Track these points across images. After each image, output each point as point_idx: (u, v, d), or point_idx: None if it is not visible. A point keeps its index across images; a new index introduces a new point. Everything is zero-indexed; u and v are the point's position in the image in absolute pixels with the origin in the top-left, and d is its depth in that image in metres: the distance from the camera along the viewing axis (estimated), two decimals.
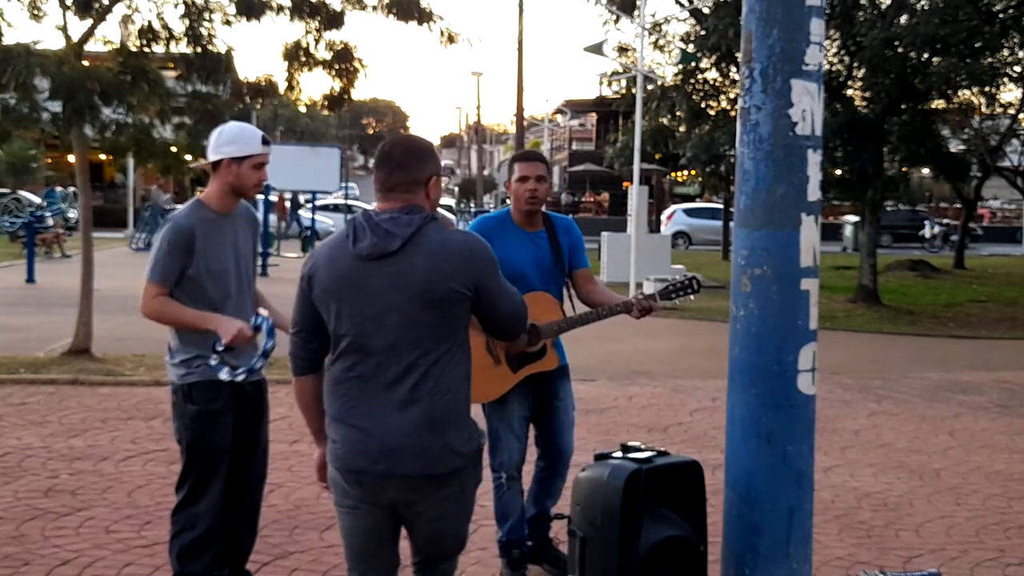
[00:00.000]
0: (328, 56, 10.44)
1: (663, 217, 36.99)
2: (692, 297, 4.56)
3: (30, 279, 17.98)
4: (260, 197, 23.01)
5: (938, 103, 18.70)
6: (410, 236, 2.97)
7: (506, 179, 4.63)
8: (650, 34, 19.47)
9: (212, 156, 4.03)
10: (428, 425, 3.00)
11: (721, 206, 33.69)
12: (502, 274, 3.17)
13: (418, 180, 3.06)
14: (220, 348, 3.91)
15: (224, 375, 3.92)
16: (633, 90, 19.17)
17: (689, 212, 38.39)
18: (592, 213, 46.86)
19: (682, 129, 22.57)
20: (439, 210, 3.31)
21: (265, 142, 4.03)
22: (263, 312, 4.05)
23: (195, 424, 3.98)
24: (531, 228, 4.60)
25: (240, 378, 3.94)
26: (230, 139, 4.01)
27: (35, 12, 9.62)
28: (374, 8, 10.11)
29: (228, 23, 9.95)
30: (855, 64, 17.22)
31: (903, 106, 17.75)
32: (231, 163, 3.97)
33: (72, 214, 29.21)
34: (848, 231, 34.60)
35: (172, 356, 4.04)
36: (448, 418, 3.03)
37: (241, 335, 3.89)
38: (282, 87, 10.76)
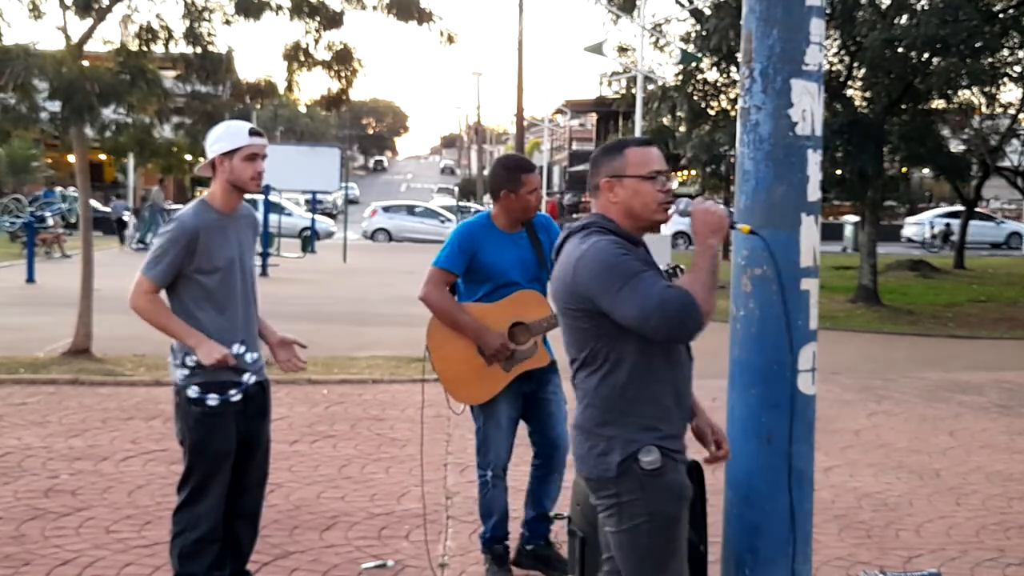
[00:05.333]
0: (328, 57, 10.44)
1: None
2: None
3: (30, 279, 17.98)
4: (260, 197, 23.01)
5: (938, 103, 18.72)
6: None
7: (505, 187, 4.60)
8: (650, 34, 19.47)
9: (207, 158, 4.06)
10: None
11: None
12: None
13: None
14: (192, 364, 3.93)
15: (191, 392, 3.95)
16: (633, 90, 19.19)
17: None
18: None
19: (682, 129, 22.57)
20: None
21: (255, 133, 4.03)
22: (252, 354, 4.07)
23: (198, 425, 3.98)
24: (512, 230, 4.65)
25: (209, 399, 3.95)
26: (217, 137, 4.04)
27: (35, 12, 9.62)
28: (374, 8, 10.12)
29: (228, 23, 9.95)
30: (855, 64, 17.23)
31: (903, 106, 17.75)
32: (223, 159, 3.99)
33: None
34: (848, 231, 34.64)
35: (175, 357, 4.03)
36: None
37: (221, 362, 3.90)
38: (282, 87, 10.76)
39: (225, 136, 4.02)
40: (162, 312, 3.95)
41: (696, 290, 2.87)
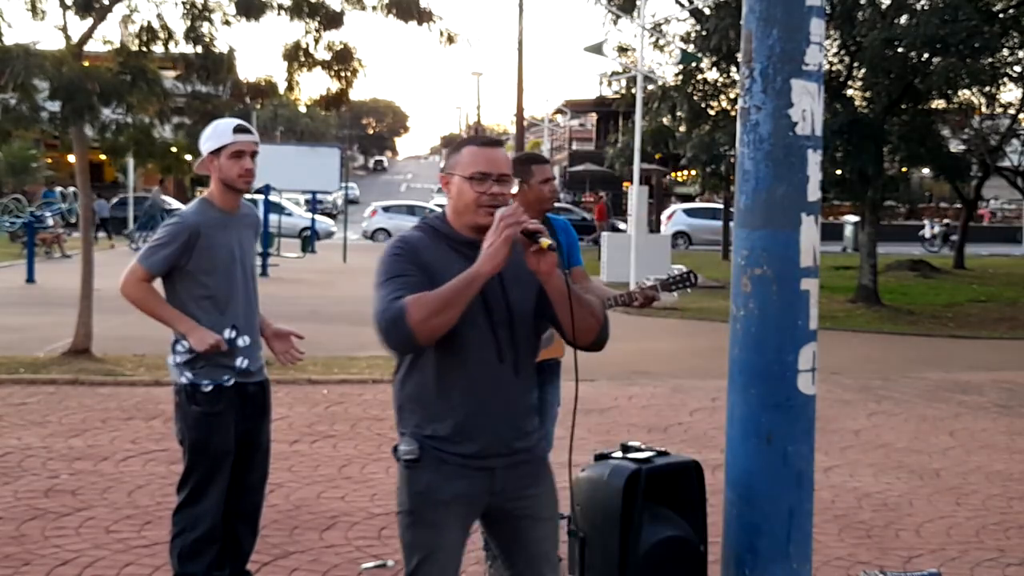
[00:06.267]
0: (328, 57, 10.45)
1: (663, 217, 37.03)
2: (689, 290, 4.84)
3: (30, 279, 17.99)
4: (260, 197, 23.00)
5: (938, 103, 18.72)
6: None
7: (518, 178, 4.66)
8: (650, 34, 19.47)
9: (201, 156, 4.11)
10: None
11: (721, 206, 33.73)
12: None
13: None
14: (182, 349, 3.94)
15: (183, 379, 3.97)
16: (633, 90, 19.17)
17: (689, 212, 38.44)
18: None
19: (682, 129, 22.57)
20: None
21: (241, 131, 4.02)
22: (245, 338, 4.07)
23: (198, 425, 3.98)
24: None
25: (204, 385, 3.96)
26: (207, 136, 4.08)
27: (35, 12, 9.62)
28: (374, 8, 10.12)
29: (228, 23, 9.96)
30: (855, 64, 17.23)
31: (903, 106, 17.76)
32: (212, 158, 4.03)
33: (104, 213, 29.77)
34: (848, 231, 34.67)
35: (175, 357, 4.04)
36: None
37: (214, 348, 3.91)
38: (282, 87, 10.77)
39: (213, 135, 4.05)
40: (152, 299, 3.98)
41: (417, 305, 2.75)
